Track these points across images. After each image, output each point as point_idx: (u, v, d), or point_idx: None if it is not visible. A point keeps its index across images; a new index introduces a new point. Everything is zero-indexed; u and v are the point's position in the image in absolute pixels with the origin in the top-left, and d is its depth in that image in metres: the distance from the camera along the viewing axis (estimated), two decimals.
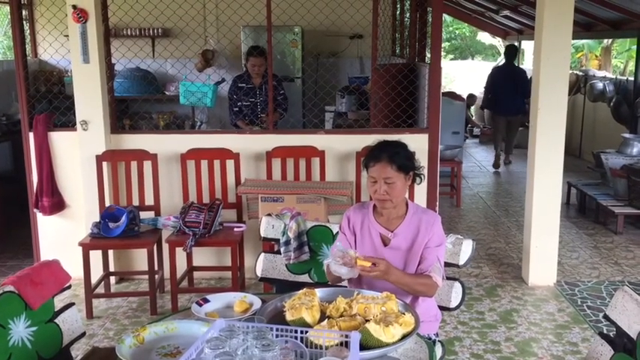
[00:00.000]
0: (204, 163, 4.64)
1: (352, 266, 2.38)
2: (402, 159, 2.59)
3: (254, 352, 1.81)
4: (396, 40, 7.74)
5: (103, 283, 4.58)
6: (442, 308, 2.90)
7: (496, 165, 9.34)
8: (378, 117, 5.04)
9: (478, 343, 3.89)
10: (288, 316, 2.24)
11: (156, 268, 4.61)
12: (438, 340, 2.79)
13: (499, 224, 6.52)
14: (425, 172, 2.88)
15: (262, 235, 3.30)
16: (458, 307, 2.92)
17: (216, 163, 4.63)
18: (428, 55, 5.86)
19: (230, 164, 4.64)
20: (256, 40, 7.39)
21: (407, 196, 2.75)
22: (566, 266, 5.20)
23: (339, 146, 4.76)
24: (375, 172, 2.58)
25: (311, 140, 4.72)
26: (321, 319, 2.25)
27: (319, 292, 2.46)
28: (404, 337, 2.13)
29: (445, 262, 2.91)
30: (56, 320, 2.48)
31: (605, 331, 4.04)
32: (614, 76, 9.81)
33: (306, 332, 2.02)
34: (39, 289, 2.40)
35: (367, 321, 2.21)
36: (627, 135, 7.08)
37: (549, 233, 4.77)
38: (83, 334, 2.64)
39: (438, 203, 4.84)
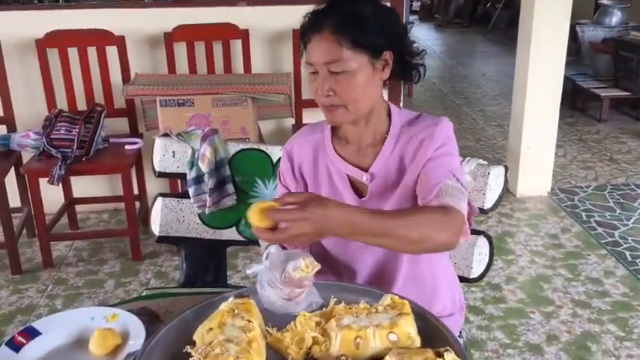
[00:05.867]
0: (73, 53, 3.19)
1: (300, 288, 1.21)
2: (362, 24, 1.31)
3: None
4: None
5: None
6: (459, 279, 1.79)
7: None
8: None
9: (472, 289, 2.86)
10: None
11: (19, 204, 3.29)
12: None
13: (462, 116, 5.44)
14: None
15: (157, 170, 2.03)
16: (482, 276, 1.81)
17: (92, 52, 3.20)
18: None
19: (112, 53, 3.21)
20: None
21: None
22: (555, 167, 4.20)
23: (269, 23, 3.41)
24: (313, 55, 1.33)
25: (228, 15, 3.32)
26: None
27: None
28: None
29: None
30: None
31: (629, 257, 3.12)
32: None
33: None
34: None
35: None
36: (606, 1, 5.98)
37: (545, 131, 3.72)
38: None
39: (402, 98, 3.64)
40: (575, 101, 5.47)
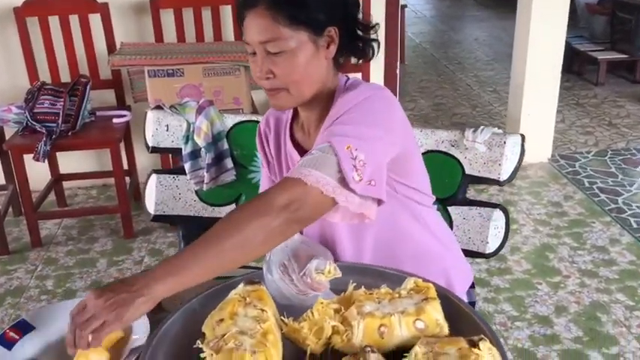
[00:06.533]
0: (54, 22, 3.03)
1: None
2: None
3: None
4: None
5: None
6: (471, 254, 1.71)
7: None
8: None
9: (477, 261, 2.77)
10: None
11: (4, 182, 3.17)
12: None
13: (456, 82, 5.32)
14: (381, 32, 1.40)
15: (150, 144, 1.91)
16: (498, 251, 1.73)
17: (74, 21, 3.04)
18: None
19: (95, 21, 3.05)
20: None
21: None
22: (554, 133, 4.12)
23: None
24: (248, 33, 1.19)
25: None
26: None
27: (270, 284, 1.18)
28: None
29: (480, 177, 1.69)
30: None
31: (634, 224, 3.06)
32: None
33: None
34: None
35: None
36: None
37: (546, 97, 3.63)
38: None
39: (398, 74, 3.48)
40: (571, 65, 5.36)
